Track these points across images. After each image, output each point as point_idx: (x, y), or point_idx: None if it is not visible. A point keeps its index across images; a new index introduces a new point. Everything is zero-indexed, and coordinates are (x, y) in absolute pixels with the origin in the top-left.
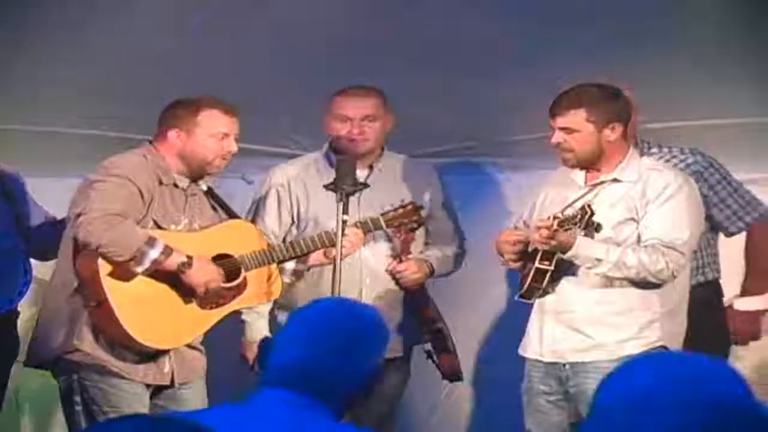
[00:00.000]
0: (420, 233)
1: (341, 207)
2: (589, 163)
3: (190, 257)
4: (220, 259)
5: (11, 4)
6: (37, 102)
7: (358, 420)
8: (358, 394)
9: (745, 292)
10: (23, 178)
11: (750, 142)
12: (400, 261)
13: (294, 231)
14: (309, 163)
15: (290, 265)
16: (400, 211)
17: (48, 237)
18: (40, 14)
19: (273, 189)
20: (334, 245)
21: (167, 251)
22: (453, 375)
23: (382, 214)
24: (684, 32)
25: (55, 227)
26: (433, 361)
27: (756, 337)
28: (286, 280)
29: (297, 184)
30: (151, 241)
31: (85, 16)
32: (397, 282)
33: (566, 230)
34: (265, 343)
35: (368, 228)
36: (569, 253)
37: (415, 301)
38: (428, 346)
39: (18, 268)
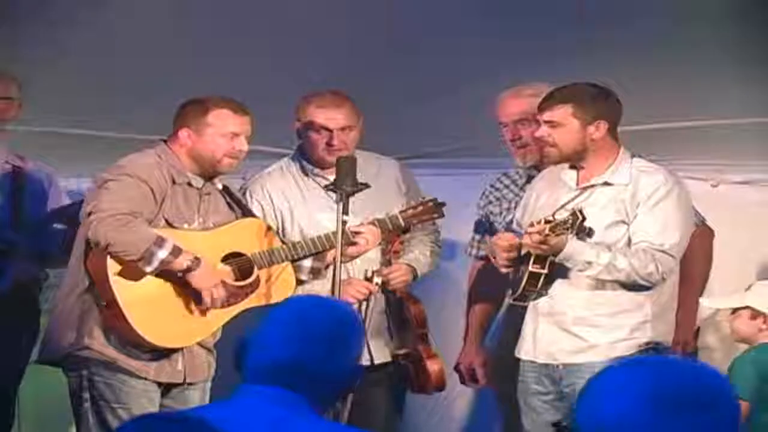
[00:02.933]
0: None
1: (341, 207)
2: (573, 160)
3: (198, 259)
4: (233, 257)
5: (11, 4)
6: (37, 102)
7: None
8: (340, 392)
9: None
10: (53, 179)
11: (750, 142)
12: (389, 264)
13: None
14: (283, 172)
15: (307, 263)
16: (420, 208)
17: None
18: (39, 14)
19: (256, 203)
20: (348, 242)
21: (176, 251)
22: (438, 385)
23: (400, 212)
24: (683, 33)
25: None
26: (412, 370)
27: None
28: (304, 277)
29: (279, 198)
30: (159, 241)
31: (84, 17)
32: (383, 286)
33: (558, 235)
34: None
35: (386, 226)
36: (560, 256)
37: (402, 305)
38: (409, 351)
39: None
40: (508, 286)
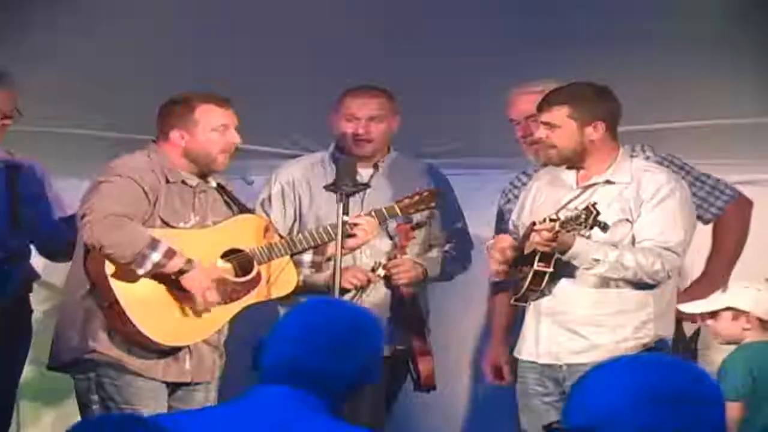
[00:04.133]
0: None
1: (341, 207)
2: (573, 161)
3: (190, 261)
4: (232, 253)
5: (11, 5)
6: (35, 102)
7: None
8: (353, 392)
9: (706, 272)
10: (43, 172)
11: (750, 142)
12: (395, 257)
13: (296, 229)
14: (315, 162)
15: (307, 257)
16: (416, 198)
17: (57, 237)
18: (38, 14)
19: (278, 186)
20: (348, 235)
21: (169, 254)
22: (427, 384)
23: (396, 202)
24: (684, 32)
25: (64, 228)
26: (410, 367)
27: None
28: (306, 271)
29: (301, 183)
30: (153, 244)
31: (84, 17)
32: (388, 280)
33: (569, 231)
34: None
35: (383, 216)
36: (568, 254)
37: (406, 302)
38: (405, 348)
39: None
40: None
